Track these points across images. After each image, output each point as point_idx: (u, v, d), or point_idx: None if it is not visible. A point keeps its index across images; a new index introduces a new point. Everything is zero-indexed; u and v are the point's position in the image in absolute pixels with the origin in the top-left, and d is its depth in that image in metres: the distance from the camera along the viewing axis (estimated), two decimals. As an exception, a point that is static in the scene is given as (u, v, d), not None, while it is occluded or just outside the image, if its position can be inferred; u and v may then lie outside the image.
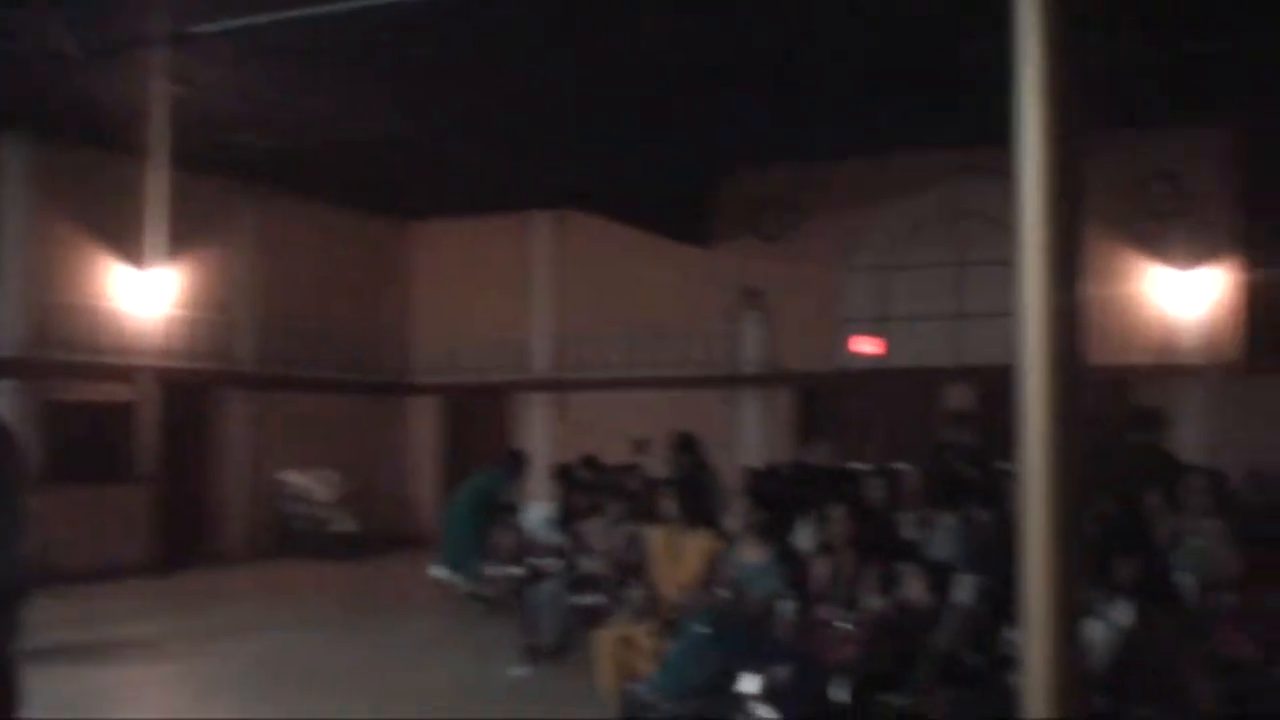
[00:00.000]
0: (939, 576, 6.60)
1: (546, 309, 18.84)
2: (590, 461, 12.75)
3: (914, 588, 6.73)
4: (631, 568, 9.65)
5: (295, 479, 17.42)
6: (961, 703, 5.88)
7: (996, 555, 6.78)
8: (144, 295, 15.45)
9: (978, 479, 10.11)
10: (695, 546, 8.17)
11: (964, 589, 5.99)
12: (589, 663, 8.23)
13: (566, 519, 11.26)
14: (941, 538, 8.16)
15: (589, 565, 9.86)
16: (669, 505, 8.44)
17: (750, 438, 16.84)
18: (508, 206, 18.11)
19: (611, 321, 17.95)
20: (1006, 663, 6.05)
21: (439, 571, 12.49)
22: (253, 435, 17.22)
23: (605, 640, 7.91)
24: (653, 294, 17.58)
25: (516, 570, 11.24)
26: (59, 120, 13.57)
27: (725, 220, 17.40)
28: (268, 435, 17.34)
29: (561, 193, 16.44)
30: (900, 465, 10.54)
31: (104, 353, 15.16)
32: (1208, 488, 7.45)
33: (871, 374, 16.44)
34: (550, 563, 10.41)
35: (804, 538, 8.59)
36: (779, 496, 9.39)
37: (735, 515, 8.29)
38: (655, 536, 8.64)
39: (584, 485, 11.87)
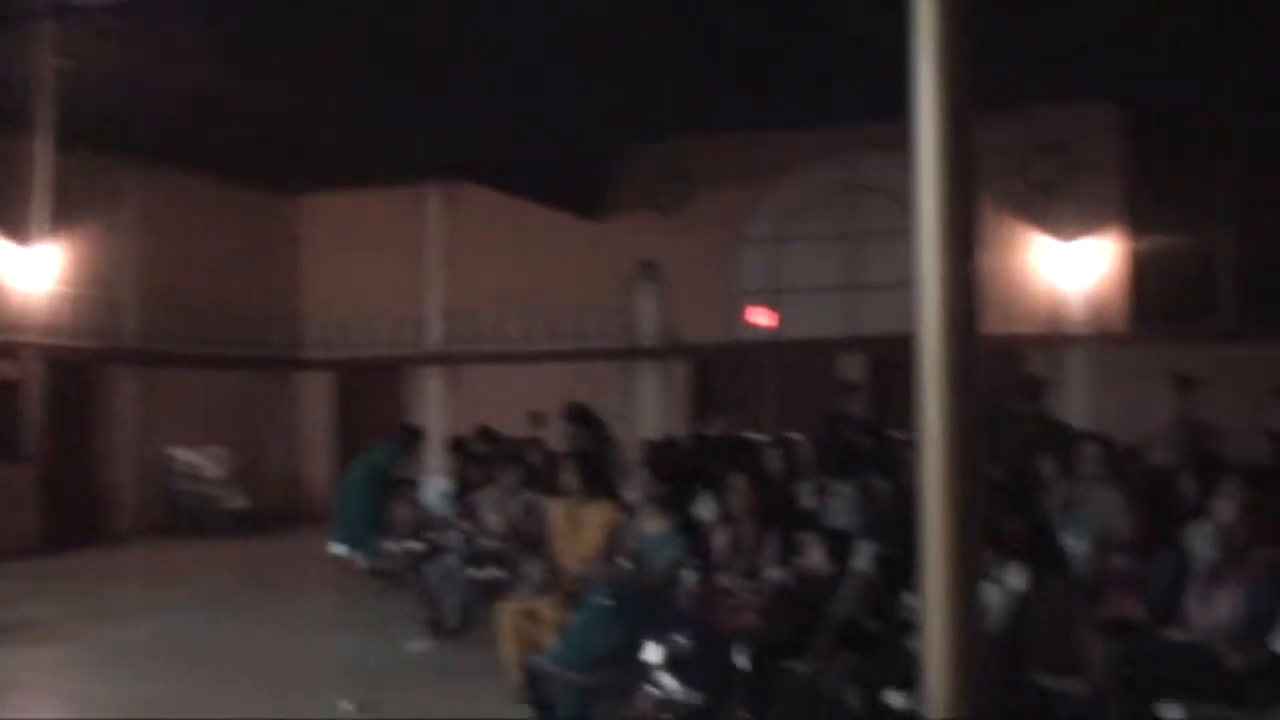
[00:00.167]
0: (838, 545, 6.68)
1: (439, 282, 18.71)
2: (486, 433, 12.70)
3: (814, 556, 6.82)
4: (530, 539, 9.66)
5: (184, 456, 17.15)
6: (861, 668, 5.97)
7: (893, 523, 6.91)
8: (28, 272, 15.06)
9: (873, 448, 10.26)
10: (596, 519, 8.18)
11: (862, 557, 6.07)
12: (490, 637, 8.24)
13: (463, 492, 11.22)
14: (839, 506, 8.27)
15: (486, 539, 9.83)
16: (569, 478, 8.43)
17: (647, 409, 16.91)
18: (399, 179, 17.91)
19: (506, 295, 17.87)
20: (905, 628, 6.16)
21: (336, 548, 12.39)
22: (141, 413, 16.91)
23: (507, 613, 7.90)
24: (547, 267, 17.53)
25: (415, 545, 11.18)
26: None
27: (620, 193, 17.40)
28: (156, 413, 17.04)
29: (453, 165, 16.29)
30: (796, 435, 10.67)
31: (-13, 331, 14.81)
32: (1099, 454, 7.62)
33: (766, 345, 16.57)
34: (449, 537, 10.37)
35: (704, 508, 8.66)
36: (678, 468, 9.46)
37: (635, 487, 8.31)
38: (556, 509, 8.64)
39: (479, 458, 11.82)
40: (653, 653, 6.79)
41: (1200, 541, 6.23)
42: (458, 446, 12.29)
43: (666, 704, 6.81)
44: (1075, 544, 7.02)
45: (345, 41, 11.63)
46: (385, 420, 17.37)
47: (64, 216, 14.70)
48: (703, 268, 16.79)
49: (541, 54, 11.87)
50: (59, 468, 15.35)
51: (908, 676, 5.50)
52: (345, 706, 7.52)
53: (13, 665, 9.14)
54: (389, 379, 18.93)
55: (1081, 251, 14.96)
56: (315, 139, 15.70)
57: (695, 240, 16.76)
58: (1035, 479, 8.13)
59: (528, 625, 7.79)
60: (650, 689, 6.93)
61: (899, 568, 6.03)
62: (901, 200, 15.19)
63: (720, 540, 7.43)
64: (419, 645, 9.29)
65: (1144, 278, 14.77)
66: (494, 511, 10.07)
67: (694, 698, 6.58)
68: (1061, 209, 15.01)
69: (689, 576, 7.25)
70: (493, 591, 9.04)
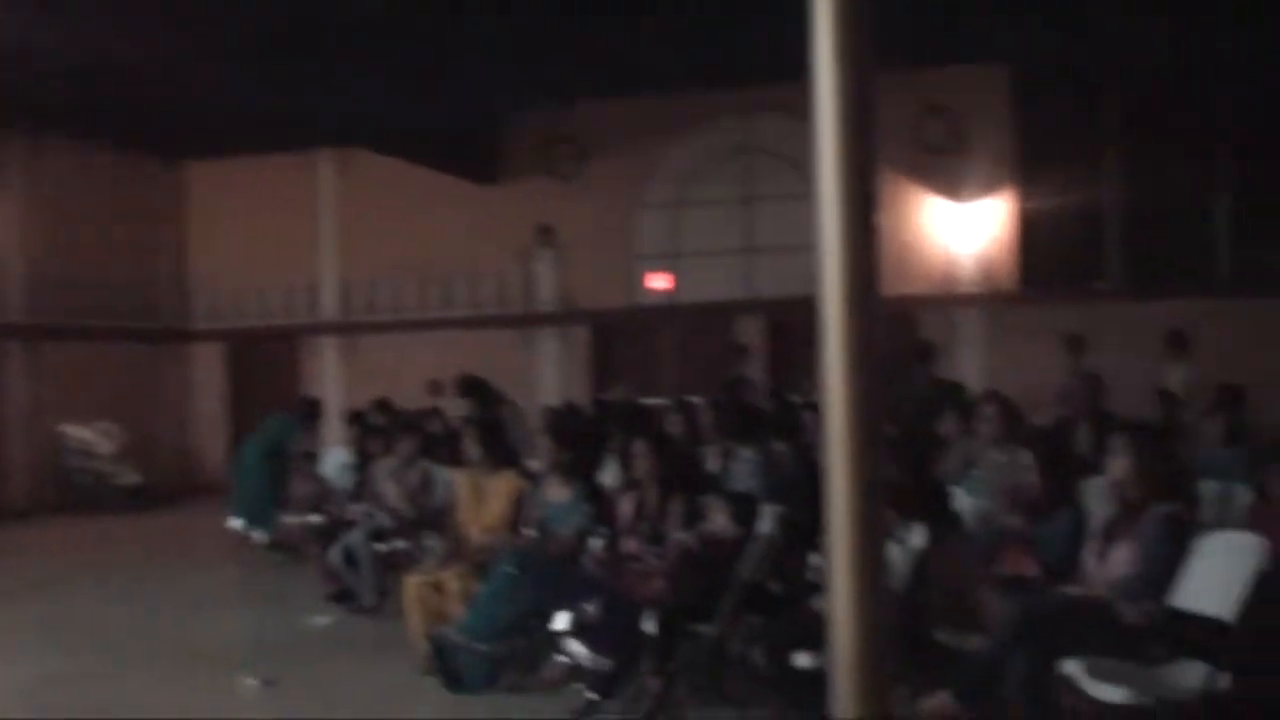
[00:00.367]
0: (742, 508, 6.74)
1: (333, 251, 18.49)
2: (383, 405, 12.61)
3: (718, 520, 6.87)
4: (429, 510, 9.63)
5: (75, 433, 16.82)
6: (767, 630, 6.04)
7: (796, 486, 6.98)
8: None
9: (773, 412, 10.34)
10: (500, 488, 8.17)
11: (767, 520, 6.11)
12: (395, 609, 8.21)
13: (362, 465, 11.14)
14: (741, 470, 8.33)
15: (387, 512, 9.76)
16: (472, 448, 8.40)
17: (548, 376, 16.90)
18: (290, 145, 17.61)
19: (402, 262, 17.71)
20: (810, 589, 6.24)
21: (234, 522, 12.24)
22: (29, 388, 16.55)
23: (412, 586, 7.87)
24: (444, 234, 17.39)
25: (314, 518, 11.10)
26: None
27: (516, 158, 17.31)
28: (44, 388, 16.69)
29: (345, 131, 16.06)
30: (695, 399, 10.73)
31: None
32: (997, 414, 7.74)
33: (665, 309, 16.61)
34: (350, 510, 10.29)
35: (608, 475, 8.68)
36: (581, 434, 9.46)
37: (539, 455, 8.30)
38: (459, 479, 8.61)
39: (377, 430, 11.73)
40: (560, 620, 6.81)
41: (1096, 498, 6.36)
42: (356, 419, 12.18)
43: (575, 671, 6.85)
44: (974, 503, 7.15)
45: (234, 6, 11.40)
46: (279, 392, 17.20)
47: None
48: (601, 233, 16.77)
49: (432, 17, 11.73)
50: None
51: (814, 637, 5.58)
52: (249, 682, 7.45)
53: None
54: (283, 350, 18.70)
55: (972, 213, 15.17)
56: (204, 106, 15.36)
57: (593, 205, 16.74)
58: (933, 439, 8.25)
59: (433, 597, 7.77)
60: (558, 657, 6.96)
61: (803, 530, 6.10)
62: (797, 163, 15.31)
63: (625, 506, 7.45)
64: (321, 619, 9.21)
65: (1034, 239, 15.02)
66: (391, 482, 10.01)
67: (602, 664, 6.61)
68: (952, 171, 15.19)
69: (595, 544, 7.27)
70: (397, 563, 9.00)
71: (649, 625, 6.36)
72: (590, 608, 6.71)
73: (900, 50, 11.67)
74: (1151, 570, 5.42)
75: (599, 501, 7.74)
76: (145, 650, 8.52)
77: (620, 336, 16.97)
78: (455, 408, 12.19)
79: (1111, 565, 5.65)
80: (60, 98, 14.32)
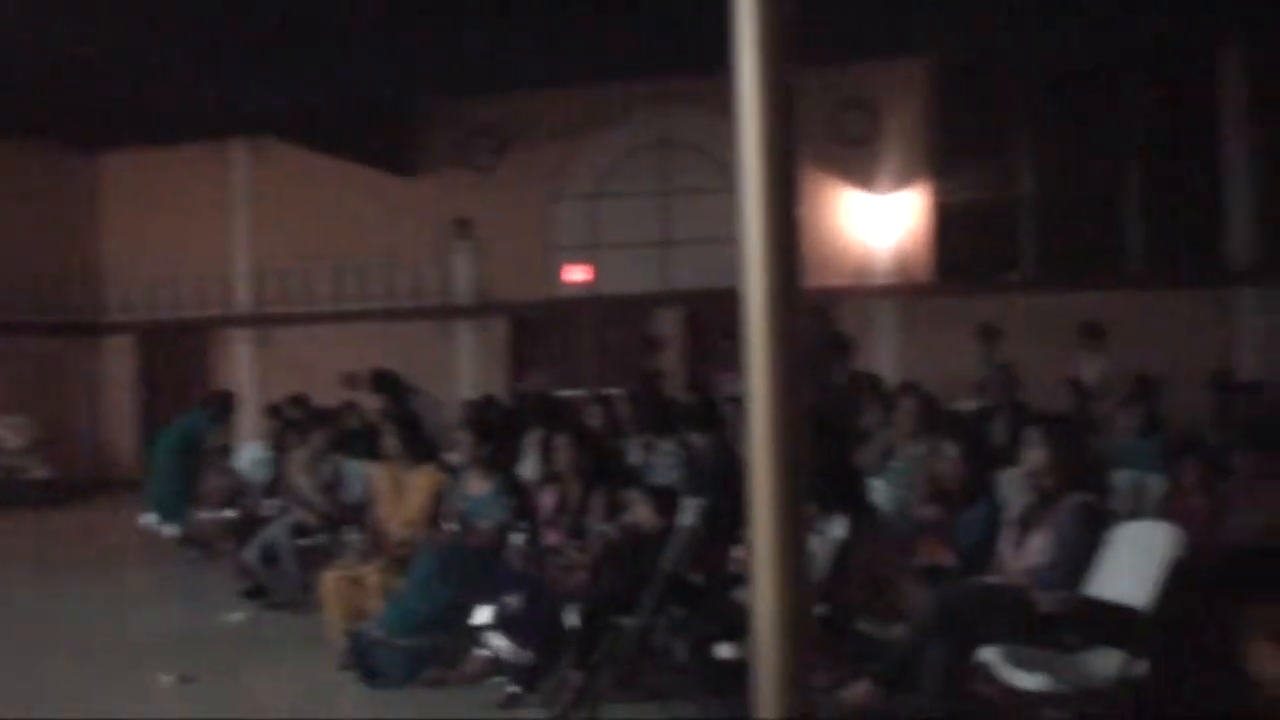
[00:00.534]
0: (664, 500, 6.75)
1: (247, 242, 18.24)
2: (299, 400, 12.49)
3: (641, 512, 6.88)
4: (345, 505, 9.56)
5: (-16, 426, 16.51)
6: (689, 621, 6.06)
7: (717, 478, 7.01)
8: None
9: (692, 404, 10.36)
10: (419, 482, 8.10)
11: (689, 512, 6.13)
12: (313, 605, 8.13)
13: (278, 459, 11.02)
14: (661, 463, 8.35)
15: (303, 507, 9.67)
16: (391, 442, 8.33)
17: (466, 369, 16.82)
18: (204, 135, 17.35)
19: (318, 254, 17.52)
20: (732, 581, 6.26)
21: (147, 518, 12.04)
22: (-64, 383, 16.22)
23: (330, 580, 7.79)
24: (360, 225, 17.23)
25: (229, 514, 10.98)
26: None
27: (432, 150, 17.20)
28: (-49, 383, 16.36)
29: (260, 121, 15.84)
30: (614, 391, 10.74)
31: None
32: (915, 407, 7.81)
33: (583, 302, 16.59)
34: (265, 505, 10.19)
35: (526, 467, 8.66)
36: (500, 427, 9.43)
37: (457, 448, 8.25)
38: (378, 474, 8.54)
39: (294, 424, 11.61)
40: (482, 614, 6.79)
41: (1012, 488, 6.45)
42: (274, 414, 12.05)
43: (496, 664, 6.84)
44: (892, 494, 7.22)
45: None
46: (193, 384, 16.97)
47: None
48: (519, 225, 16.71)
49: (349, 6, 11.60)
50: None
51: (736, 628, 5.61)
52: (165, 679, 7.34)
53: None
54: (196, 342, 18.44)
55: (888, 205, 15.29)
56: (116, 96, 15.07)
57: (511, 197, 16.67)
58: (851, 431, 8.32)
59: (352, 592, 7.70)
60: (479, 650, 6.94)
61: (725, 522, 6.12)
62: (714, 156, 15.36)
63: (546, 499, 7.44)
64: (236, 615, 9.10)
65: (949, 230, 15.17)
66: (303, 475, 9.92)
67: (525, 657, 6.61)
68: (869, 164, 15.30)
69: (518, 538, 7.26)
70: (315, 559, 8.92)
71: (571, 618, 6.36)
72: (512, 601, 6.70)
73: (819, 44, 11.69)
74: (1067, 559, 5.50)
75: (520, 495, 7.72)
76: (58, 647, 8.37)
77: (538, 328, 16.92)
78: (371, 401, 12.10)
79: (1027, 554, 5.73)
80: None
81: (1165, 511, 6.24)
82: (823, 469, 6.58)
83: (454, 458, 8.54)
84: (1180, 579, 5.01)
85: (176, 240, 18.22)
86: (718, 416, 9.04)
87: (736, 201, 2.27)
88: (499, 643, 6.68)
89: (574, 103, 15.99)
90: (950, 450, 6.58)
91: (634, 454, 8.65)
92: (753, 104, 2.24)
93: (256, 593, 9.44)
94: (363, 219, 17.19)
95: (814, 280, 14.21)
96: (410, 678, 7.10)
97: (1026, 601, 5.49)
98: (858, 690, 5.55)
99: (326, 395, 12.94)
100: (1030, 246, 14.94)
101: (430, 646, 7.16)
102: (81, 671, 7.76)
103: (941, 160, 15.18)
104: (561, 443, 7.43)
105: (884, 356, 14.38)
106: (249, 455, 11.89)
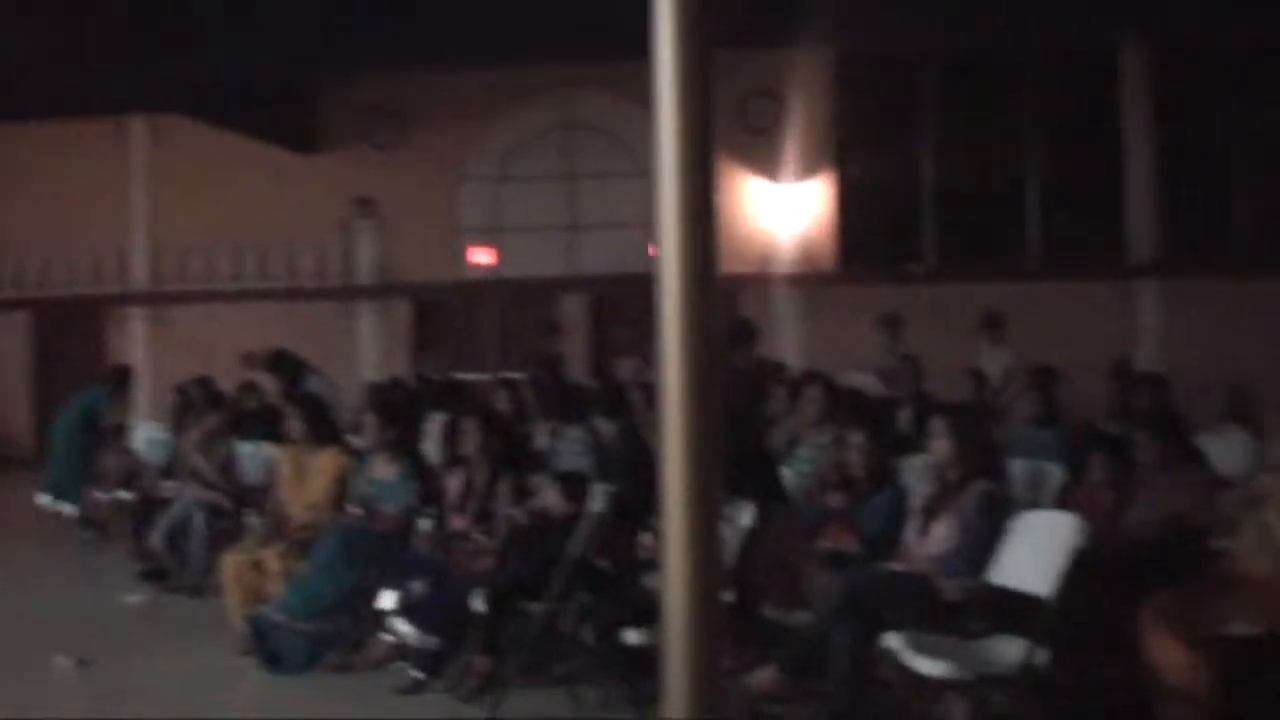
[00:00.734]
0: (573, 486, 6.74)
1: (145, 218, 17.86)
2: (203, 382, 12.28)
3: (549, 497, 6.86)
4: (242, 487, 9.44)
5: None
6: (597, 607, 6.06)
7: (625, 464, 7.02)
8: None
9: (599, 390, 10.34)
10: (323, 465, 8.01)
11: (597, 498, 6.14)
12: (214, 589, 8.02)
13: (176, 441, 10.84)
14: (568, 449, 8.33)
15: (203, 488, 9.52)
16: (295, 425, 8.22)
17: (367, 350, 16.65)
18: (102, 110, 16.96)
19: (216, 232, 17.21)
20: (640, 566, 6.28)
21: (43, 497, 11.78)
22: None
23: (231, 564, 7.68)
24: (261, 203, 16.95)
25: (126, 494, 10.78)
26: None
27: (336, 128, 16.96)
28: None
29: (159, 96, 15.51)
30: (517, 376, 10.70)
31: None
32: (820, 396, 7.87)
33: (487, 285, 16.50)
34: (164, 487, 10.02)
35: (429, 451, 8.59)
36: (405, 410, 9.35)
37: (363, 431, 8.16)
38: (280, 457, 8.44)
39: (192, 404, 11.42)
40: (387, 599, 6.74)
41: (916, 476, 6.53)
42: (181, 394, 11.83)
43: (400, 650, 6.79)
44: (797, 481, 7.27)
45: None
46: (88, 362, 16.61)
47: None
48: (423, 206, 16.56)
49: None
50: None
51: (644, 614, 5.63)
52: (62, 662, 7.20)
53: None
54: (92, 320, 18.04)
55: (793, 194, 15.37)
56: (9, 69, 14.67)
57: (415, 178, 16.51)
58: (760, 419, 8.36)
59: (252, 576, 7.60)
60: (384, 636, 6.89)
61: (633, 509, 6.14)
62: (621, 141, 15.35)
63: (453, 484, 7.40)
64: (134, 597, 8.95)
65: (853, 220, 15.30)
66: (200, 457, 9.78)
67: (429, 642, 6.57)
68: (774, 152, 15.36)
69: (424, 522, 7.21)
70: (217, 543, 8.78)
71: (477, 603, 6.33)
72: (417, 586, 6.66)
73: (728, 32, 11.69)
74: (970, 547, 5.59)
75: (426, 478, 7.67)
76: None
77: (442, 311, 16.80)
78: (269, 382, 11.94)
79: (932, 542, 5.81)
80: None
81: (1067, 501, 6.35)
82: (735, 456, 6.62)
83: (357, 441, 8.45)
84: (1082, 568, 5.10)
85: (74, 217, 17.78)
86: (625, 403, 9.04)
87: (654, 188, 2.27)
88: (403, 628, 6.64)
89: (480, 83, 15.86)
90: (856, 438, 6.62)
91: (541, 440, 8.62)
92: (671, 90, 2.24)
93: (155, 575, 9.29)
94: (264, 197, 16.91)
95: (720, 268, 14.22)
96: (312, 663, 7.03)
97: (930, 588, 5.57)
98: (764, 676, 5.59)
99: (225, 375, 12.73)
100: (933, 237, 15.12)
101: (333, 631, 7.10)
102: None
103: (846, 150, 15.29)
104: (469, 426, 7.38)
105: (787, 344, 14.45)
106: (145, 435, 11.68)
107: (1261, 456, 6.23)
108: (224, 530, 8.98)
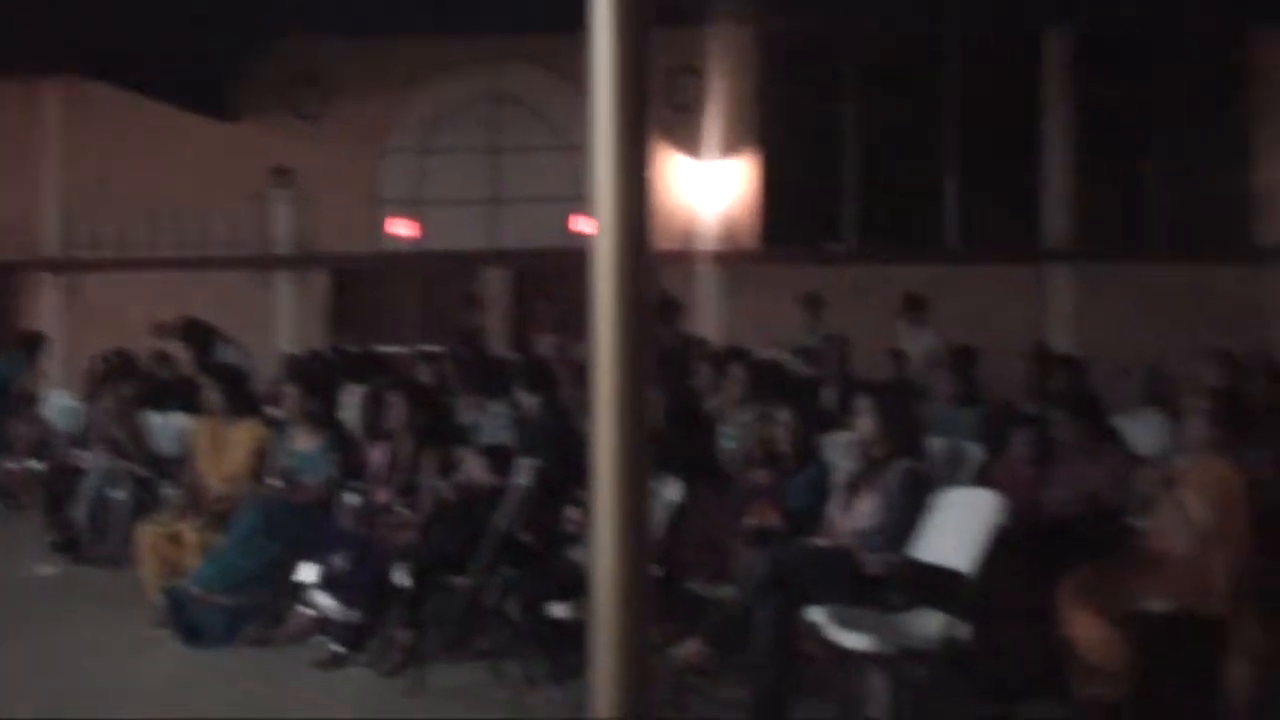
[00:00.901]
0: (498, 459, 6.72)
1: (56, 185, 17.50)
2: (121, 353, 12.09)
3: (474, 471, 6.84)
4: (160, 458, 9.30)
5: None
6: (522, 580, 6.05)
7: (549, 438, 7.00)
8: None
9: (522, 364, 10.30)
10: (241, 437, 7.92)
11: (522, 472, 6.12)
12: (128, 560, 7.91)
13: (89, 410, 10.67)
14: (493, 423, 8.29)
15: (116, 458, 9.37)
16: (212, 396, 8.11)
17: (284, 322, 16.45)
18: (11, 71, 16.56)
19: (130, 199, 16.88)
20: (565, 540, 6.28)
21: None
22: None
23: (147, 536, 7.58)
24: (176, 171, 16.63)
25: (37, 464, 10.59)
26: None
27: (255, 95, 16.69)
28: None
29: (70, 58, 15.16)
30: (437, 349, 10.64)
31: None
32: (745, 375, 7.90)
33: (408, 257, 16.35)
34: (78, 456, 9.85)
35: (349, 422, 8.50)
36: (324, 381, 9.25)
37: (284, 402, 8.07)
38: (196, 428, 8.33)
39: (107, 374, 11.23)
40: (307, 572, 6.69)
41: (840, 453, 6.58)
42: (103, 364, 11.63)
43: (321, 623, 6.74)
44: (726, 458, 7.31)
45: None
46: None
47: None
48: (343, 176, 16.35)
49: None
50: None
51: (569, 588, 5.64)
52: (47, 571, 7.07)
53: None
54: (2, 287, 17.67)
55: (716, 172, 15.38)
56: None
57: (335, 148, 16.30)
58: (689, 395, 8.37)
59: (169, 548, 7.51)
60: (304, 609, 6.83)
61: (557, 483, 6.13)
62: (544, 115, 15.27)
63: (377, 456, 7.34)
64: (47, 569, 8.81)
65: (776, 199, 15.34)
66: (118, 427, 9.62)
67: (351, 616, 6.53)
68: (698, 130, 15.34)
69: (350, 496, 7.15)
70: (132, 512, 8.65)
71: (400, 577, 6.30)
72: (339, 559, 6.61)
73: (657, 10, 11.64)
74: (893, 523, 5.65)
75: (347, 451, 7.61)
76: None
77: (361, 282, 16.63)
78: (181, 352, 11.77)
79: (855, 518, 5.87)
80: None
81: (988, 479, 6.43)
82: (667, 431, 6.67)
83: (275, 412, 8.36)
84: (1002, 545, 5.18)
85: (-19, 181, 17.40)
86: (548, 377, 9.02)
87: (588, 164, 2.26)
88: (325, 601, 6.59)
89: (404, 53, 15.68)
90: (783, 415, 6.66)
91: (465, 413, 8.57)
92: (608, 67, 2.23)
93: (68, 546, 9.14)
94: (180, 163, 16.59)
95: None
96: (230, 636, 6.98)
97: (853, 563, 5.63)
98: (689, 649, 5.61)
99: (138, 345, 12.53)
100: (854, 218, 15.20)
101: (251, 604, 7.04)
102: None
103: (769, 129, 15.32)
104: (395, 399, 7.32)
105: (709, 321, 14.48)
106: (56, 404, 11.49)
107: (1178, 437, 6.33)
108: (140, 502, 8.84)
